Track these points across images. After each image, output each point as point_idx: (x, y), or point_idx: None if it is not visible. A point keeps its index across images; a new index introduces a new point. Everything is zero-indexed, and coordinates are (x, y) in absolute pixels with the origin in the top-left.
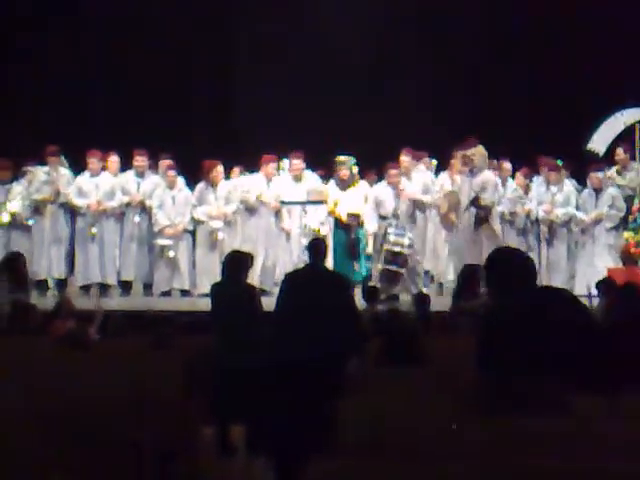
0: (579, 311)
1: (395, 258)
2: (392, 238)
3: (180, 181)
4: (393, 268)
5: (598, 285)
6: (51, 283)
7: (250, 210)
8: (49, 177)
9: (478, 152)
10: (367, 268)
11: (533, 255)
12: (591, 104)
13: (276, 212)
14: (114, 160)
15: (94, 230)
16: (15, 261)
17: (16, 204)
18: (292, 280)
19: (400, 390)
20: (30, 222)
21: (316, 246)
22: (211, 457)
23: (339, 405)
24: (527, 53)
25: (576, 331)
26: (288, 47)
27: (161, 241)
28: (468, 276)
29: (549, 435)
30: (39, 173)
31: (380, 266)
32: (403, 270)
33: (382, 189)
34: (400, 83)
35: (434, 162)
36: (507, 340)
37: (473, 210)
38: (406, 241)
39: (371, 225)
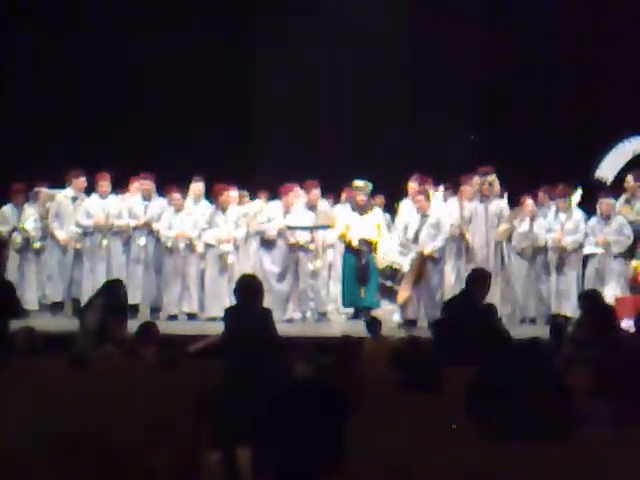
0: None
1: (392, 274)
2: (393, 256)
3: (203, 204)
4: (389, 284)
5: (580, 298)
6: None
7: (266, 241)
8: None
9: (495, 179)
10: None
11: (540, 284)
12: (599, 132)
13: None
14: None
15: (105, 242)
16: (114, 286)
17: (30, 224)
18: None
19: (413, 416)
20: (38, 244)
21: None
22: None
23: (350, 427)
24: (531, 79)
25: None
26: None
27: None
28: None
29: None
30: (62, 198)
31: (379, 281)
32: (398, 286)
33: (409, 214)
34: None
35: (441, 189)
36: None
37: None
38: (407, 260)
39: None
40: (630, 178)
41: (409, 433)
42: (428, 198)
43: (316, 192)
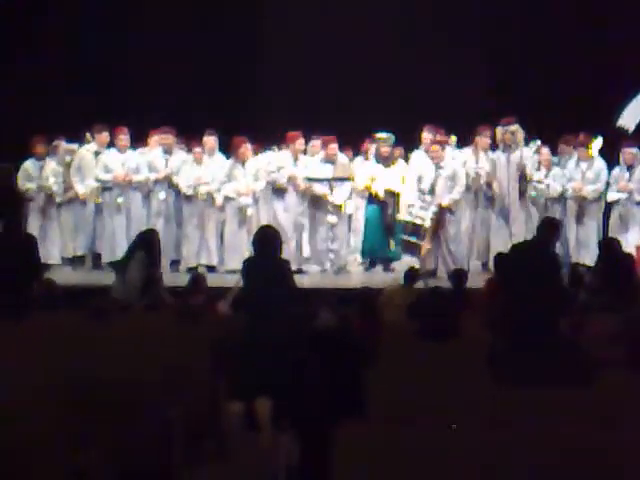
0: None
1: (415, 230)
2: (415, 211)
3: (218, 158)
4: (412, 239)
5: (599, 246)
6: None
7: (277, 189)
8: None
9: (518, 129)
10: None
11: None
12: (620, 80)
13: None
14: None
15: (120, 200)
16: (151, 237)
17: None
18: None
19: (432, 363)
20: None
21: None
22: (238, 433)
23: (372, 375)
24: (557, 27)
25: None
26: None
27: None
28: None
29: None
30: (84, 152)
31: (400, 237)
32: (423, 242)
33: (424, 165)
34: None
35: (453, 138)
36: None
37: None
38: (428, 215)
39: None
40: None
41: (427, 380)
42: (443, 148)
43: (334, 146)
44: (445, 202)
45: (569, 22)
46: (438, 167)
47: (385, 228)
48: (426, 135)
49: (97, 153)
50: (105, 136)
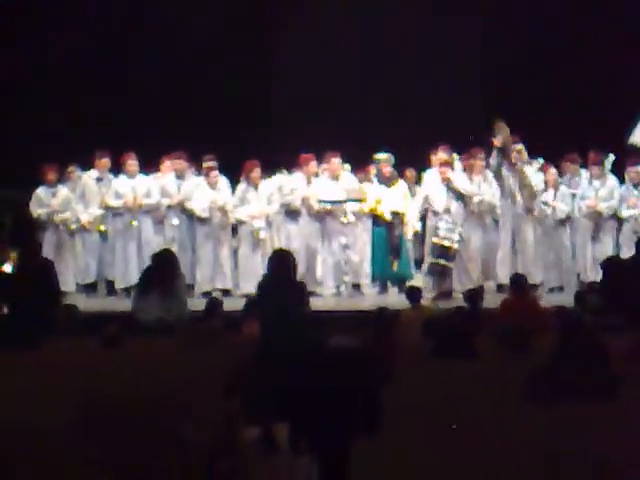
0: None
1: (444, 252)
2: (442, 233)
3: (223, 181)
4: (442, 262)
5: (603, 265)
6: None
7: (290, 212)
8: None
9: (523, 148)
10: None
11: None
12: (633, 97)
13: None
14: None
15: (135, 223)
16: (167, 256)
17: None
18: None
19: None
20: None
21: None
22: (255, 456)
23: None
24: (565, 43)
25: None
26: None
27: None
28: None
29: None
30: (86, 179)
31: (429, 260)
32: (452, 264)
33: (433, 185)
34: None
35: (455, 156)
36: None
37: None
38: (456, 236)
39: (416, 223)
40: None
41: (443, 397)
42: (452, 169)
43: (336, 161)
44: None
45: (582, 35)
46: (449, 187)
47: (392, 249)
48: (442, 155)
49: (99, 179)
50: (105, 162)
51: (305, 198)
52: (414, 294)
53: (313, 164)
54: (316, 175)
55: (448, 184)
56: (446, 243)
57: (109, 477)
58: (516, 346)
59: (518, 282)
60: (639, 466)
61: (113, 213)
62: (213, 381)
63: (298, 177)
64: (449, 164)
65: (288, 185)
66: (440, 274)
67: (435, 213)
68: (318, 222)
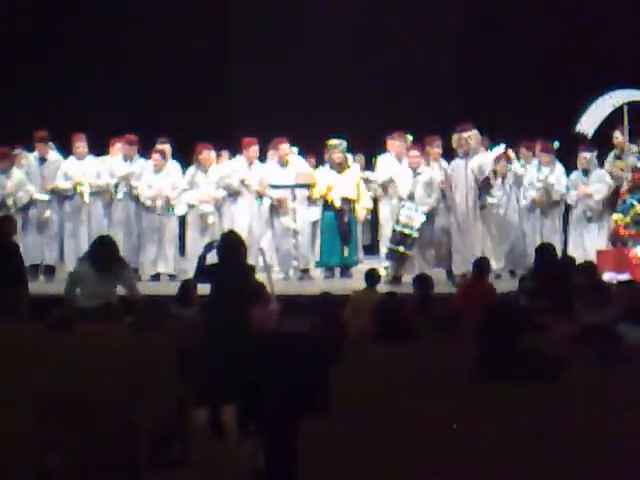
0: None
1: (403, 239)
2: (403, 219)
3: (173, 165)
4: (400, 249)
5: (537, 250)
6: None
7: (233, 194)
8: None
9: (474, 135)
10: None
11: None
12: (579, 86)
13: (261, 195)
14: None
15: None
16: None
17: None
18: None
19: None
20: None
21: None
22: (203, 438)
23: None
24: (516, 35)
25: None
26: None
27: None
28: None
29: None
30: (31, 159)
31: (389, 246)
32: (410, 252)
33: (399, 171)
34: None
35: (410, 137)
36: None
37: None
38: (416, 224)
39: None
40: (618, 134)
41: (389, 378)
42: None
43: (284, 147)
44: (425, 209)
45: (534, 25)
46: (416, 173)
47: (341, 235)
48: (397, 141)
49: (42, 160)
50: (43, 136)
51: (244, 180)
52: (372, 278)
53: (254, 148)
54: (260, 159)
55: (415, 170)
56: (406, 231)
57: (59, 458)
58: (451, 329)
59: (479, 265)
60: (581, 444)
61: (63, 196)
62: (163, 364)
63: (240, 161)
64: (415, 149)
65: (227, 168)
66: (398, 260)
67: (400, 199)
68: (265, 206)
